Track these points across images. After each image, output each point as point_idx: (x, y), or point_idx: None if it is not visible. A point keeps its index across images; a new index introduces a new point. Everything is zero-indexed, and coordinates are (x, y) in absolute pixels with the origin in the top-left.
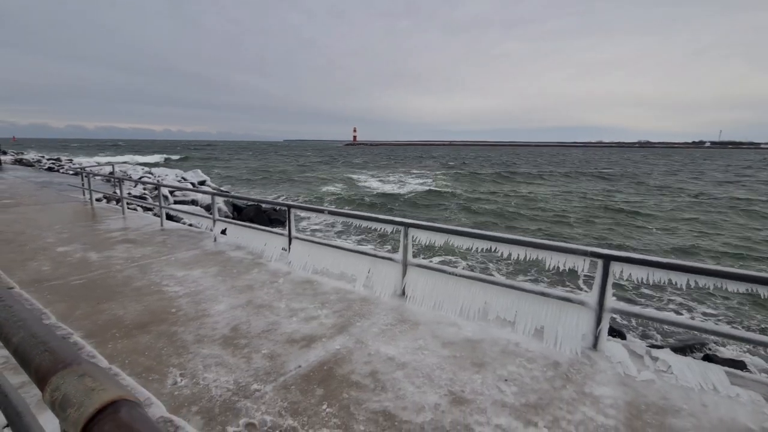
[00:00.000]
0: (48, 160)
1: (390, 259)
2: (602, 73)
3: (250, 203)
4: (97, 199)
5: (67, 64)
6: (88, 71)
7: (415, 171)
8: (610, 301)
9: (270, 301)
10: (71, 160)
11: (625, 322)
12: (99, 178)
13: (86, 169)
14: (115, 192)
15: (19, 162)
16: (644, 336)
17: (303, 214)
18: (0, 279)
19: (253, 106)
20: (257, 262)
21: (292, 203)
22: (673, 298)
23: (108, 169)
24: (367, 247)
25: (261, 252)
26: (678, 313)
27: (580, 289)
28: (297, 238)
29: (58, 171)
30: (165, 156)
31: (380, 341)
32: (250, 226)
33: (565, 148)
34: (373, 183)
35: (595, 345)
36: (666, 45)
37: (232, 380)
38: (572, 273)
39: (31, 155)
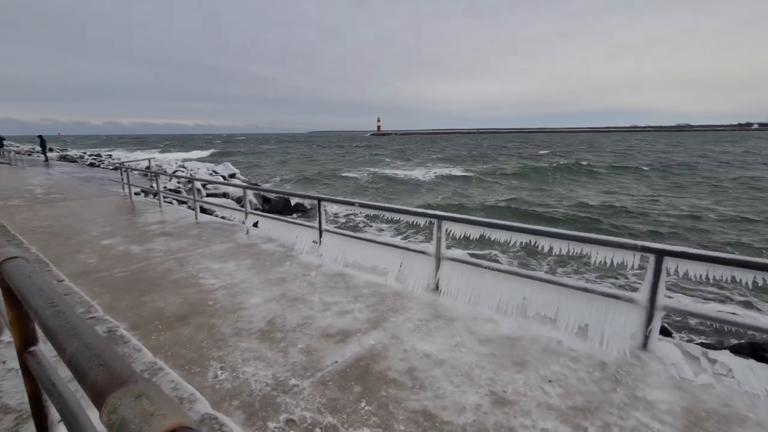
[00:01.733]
0: (90, 155)
1: (423, 252)
2: (635, 53)
3: (278, 195)
4: (136, 193)
5: (104, 62)
6: (123, 69)
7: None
8: (663, 298)
9: (303, 295)
10: (110, 155)
11: (675, 321)
12: (136, 172)
13: (124, 164)
14: (151, 186)
15: (64, 158)
16: (695, 336)
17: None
18: (51, 272)
19: (278, 98)
20: (289, 254)
21: (321, 196)
22: (732, 296)
23: (144, 163)
24: (398, 240)
25: (292, 245)
26: (735, 312)
27: (628, 287)
28: (327, 230)
29: (98, 166)
30: (211, 150)
31: (416, 337)
32: (280, 219)
33: (599, 134)
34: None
35: (645, 345)
36: (706, 19)
37: (271, 375)
38: (611, 269)
39: (73, 151)
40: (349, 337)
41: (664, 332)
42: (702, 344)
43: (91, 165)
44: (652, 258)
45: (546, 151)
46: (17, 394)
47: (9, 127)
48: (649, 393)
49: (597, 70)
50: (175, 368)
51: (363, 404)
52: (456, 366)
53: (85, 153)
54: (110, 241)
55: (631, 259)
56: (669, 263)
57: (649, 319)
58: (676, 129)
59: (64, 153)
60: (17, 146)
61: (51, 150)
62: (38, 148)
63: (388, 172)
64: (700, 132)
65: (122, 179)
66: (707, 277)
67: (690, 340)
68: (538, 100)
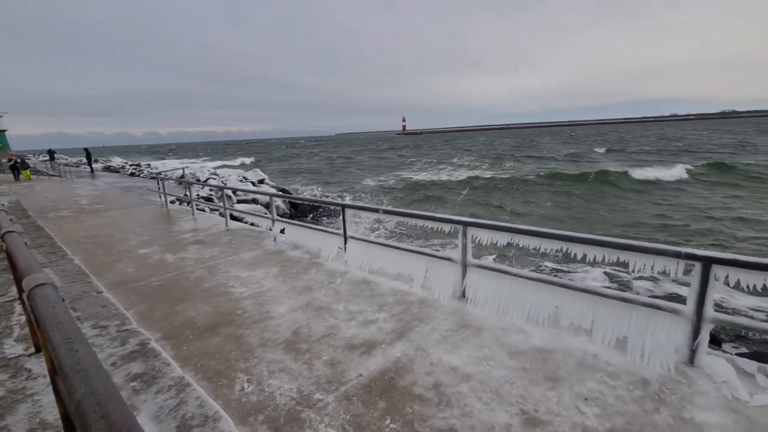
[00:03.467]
0: (130, 166)
1: (448, 259)
2: (674, 38)
3: (305, 202)
4: (171, 202)
5: (143, 75)
6: (160, 81)
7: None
8: (711, 310)
9: (329, 303)
10: (149, 165)
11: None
12: (172, 181)
13: (161, 173)
14: (185, 194)
15: (107, 168)
16: (750, 346)
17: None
18: (91, 283)
19: (305, 102)
20: (315, 261)
21: (346, 203)
22: None
23: (179, 172)
24: (424, 247)
25: (318, 251)
26: None
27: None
28: (352, 237)
29: (138, 176)
30: (244, 159)
31: (442, 349)
32: (306, 226)
33: (637, 124)
34: None
35: (691, 360)
36: None
37: (296, 388)
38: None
39: (116, 161)
40: (373, 349)
41: (715, 341)
42: (758, 354)
43: (132, 174)
44: (698, 266)
45: (601, 150)
46: (55, 410)
47: (60, 140)
48: (697, 414)
49: (632, 58)
50: (203, 380)
51: (387, 421)
52: (484, 381)
53: (126, 163)
54: (147, 250)
55: (674, 267)
56: (717, 271)
57: (696, 332)
58: (720, 116)
59: (108, 164)
60: (66, 158)
61: (96, 161)
62: (84, 160)
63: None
64: (747, 117)
65: (158, 188)
66: (765, 288)
67: (743, 354)
68: (570, 92)
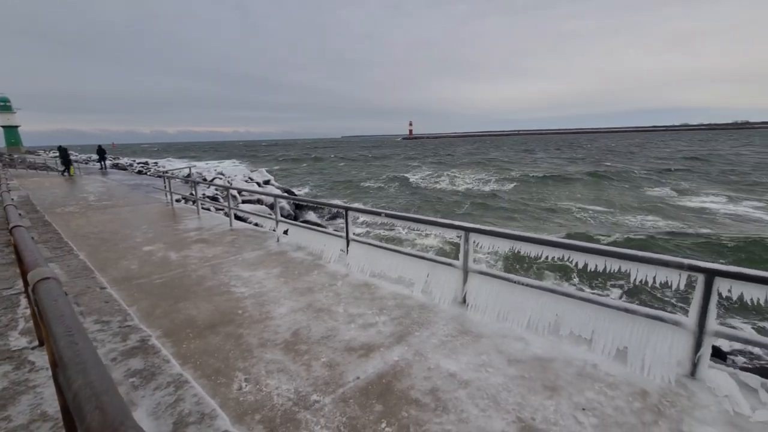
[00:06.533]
0: (138, 163)
1: (450, 264)
2: (685, 48)
3: (308, 203)
4: (177, 200)
5: (151, 75)
6: (169, 81)
7: None
8: (713, 323)
9: (329, 305)
10: (156, 163)
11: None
12: (178, 180)
13: (168, 172)
14: (191, 193)
15: (116, 166)
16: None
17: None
18: (95, 279)
19: (313, 104)
20: (317, 263)
21: (349, 206)
22: None
23: (186, 171)
24: (426, 251)
25: (320, 253)
26: None
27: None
28: (354, 240)
29: (145, 174)
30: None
31: (440, 354)
32: (310, 228)
33: (643, 133)
34: None
35: (693, 373)
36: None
37: (293, 389)
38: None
39: (124, 160)
40: (372, 352)
41: (719, 355)
42: (762, 369)
43: (139, 173)
44: (701, 278)
45: (639, 168)
46: (56, 402)
47: (71, 137)
48: (697, 428)
49: (643, 67)
50: (201, 378)
51: (383, 425)
52: (482, 388)
53: (134, 161)
54: (151, 248)
55: (677, 278)
56: (720, 284)
57: (698, 345)
58: (733, 127)
59: (116, 161)
60: (76, 155)
61: (106, 159)
62: (95, 157)
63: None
64: (759, 129)
65: (164, 187)
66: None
67: (747, 368)
68: (579, 99)
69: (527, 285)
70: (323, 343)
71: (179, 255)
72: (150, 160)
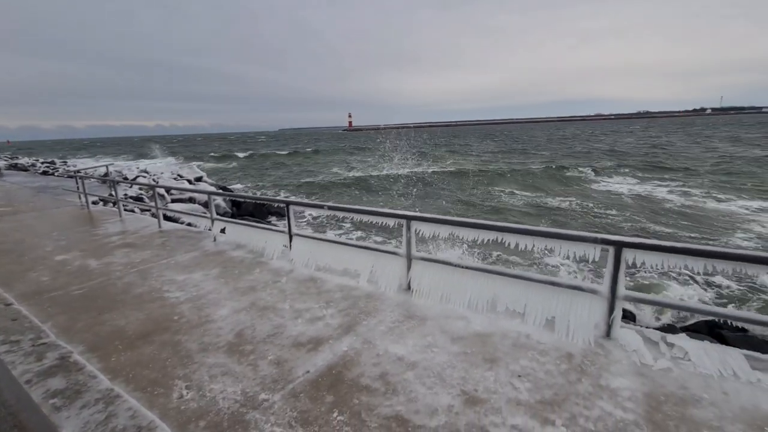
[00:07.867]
0: (42, 163)
1: (393, 253)
2: (600, 44)
3: (246, 200)
4: (93, 202)
5: (52, 62)
6: (74, 69)
7: None
8: (623, 289)
9: (274, 303)
10: (65, 162)
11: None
12: (94, 180)
13: (80, 171)
14: (111, 194)
15: (14, 167)
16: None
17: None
18: None
19: (245, 95)
20: (258, 261)
21: (290, 200)
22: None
23: (102, 170)
24: (370, 242)
25: (262, 250)
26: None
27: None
28: (297, 234)
29: (53, 174)
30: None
31: (388, 340)
32: (249, 225)
33: (564, 123)
34: None
35: (608, 333)
36: (667, 7)
37: (240, 390)
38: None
39: (24, 159)
40: (320, 345)
41: (628, 316)
42: (662, 327)
43: (44, 173)
44: (611, 250)
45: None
46: None
47: None
48: (612, 381)
49: (566, 61)
50: (136, 391)
51: (335, 414)
52: (428, 367)
53: (37, 161)
54: (66, 256)
55: (593, 251)
56: (627, 254)
57: (611, 309)
58: (636, 116)
59: (15, 161)
60: None
61: None
62: None
63: None
64: (659, 117)
65: (77, 188)
66: (662, 266)
67: (650, 326)
68: (507, 91)
69: (466, 267)
70: (270, 341)
71: (100, 262)
72: (58, 160)
